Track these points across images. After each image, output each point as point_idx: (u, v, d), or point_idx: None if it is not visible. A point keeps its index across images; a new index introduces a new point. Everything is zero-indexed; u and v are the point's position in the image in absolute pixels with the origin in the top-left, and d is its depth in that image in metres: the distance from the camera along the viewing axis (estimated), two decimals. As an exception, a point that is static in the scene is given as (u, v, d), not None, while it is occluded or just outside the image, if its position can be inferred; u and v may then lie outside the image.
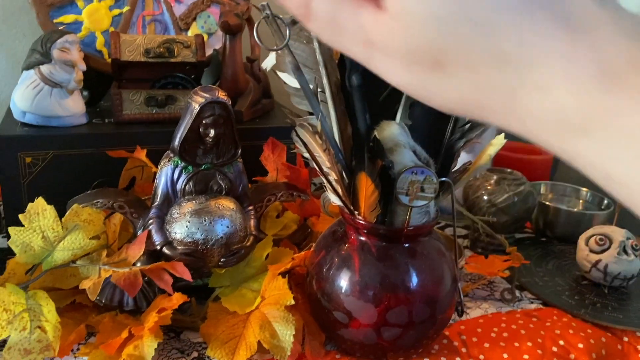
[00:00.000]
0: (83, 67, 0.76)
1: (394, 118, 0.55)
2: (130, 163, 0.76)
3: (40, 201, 0.57)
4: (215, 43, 0.97)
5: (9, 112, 0.79)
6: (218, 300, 0.62)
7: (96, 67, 0.88)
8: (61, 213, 0.59)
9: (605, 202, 0.94)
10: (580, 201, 0.99)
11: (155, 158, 0.70)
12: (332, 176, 0.55)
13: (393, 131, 0.54)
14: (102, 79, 0.90)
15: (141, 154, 0.73)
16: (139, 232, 0.62)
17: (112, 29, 0.90)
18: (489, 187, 0.84)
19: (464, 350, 0.62)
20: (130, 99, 0.79)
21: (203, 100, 0.58)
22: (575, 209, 0.96)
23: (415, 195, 0.54)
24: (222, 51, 0.87)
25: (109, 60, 0.86)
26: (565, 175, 1.37)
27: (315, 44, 0.55)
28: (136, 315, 0.61)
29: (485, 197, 0.84)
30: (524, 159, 1.09)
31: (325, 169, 0.56)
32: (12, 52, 1.02)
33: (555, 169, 1.39)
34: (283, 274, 0.62)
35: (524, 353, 0.62)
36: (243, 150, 0.67)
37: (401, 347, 0.57)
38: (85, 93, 0.92)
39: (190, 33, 0.95)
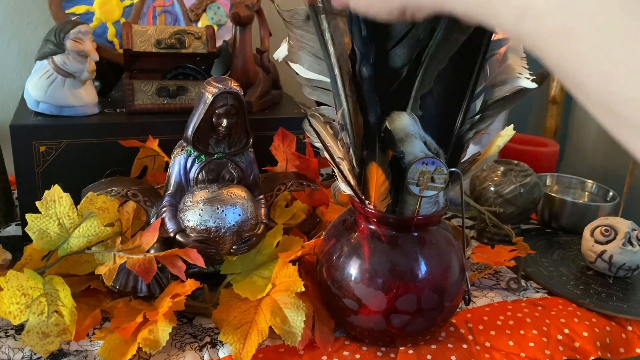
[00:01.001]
0: (96, 57, 0.77)
1: (404, 109, 0.56)
2: (142, 152, 0.77)
3: (56, 188, 0.58)
4: (225, 34, 0.98)
5: (22, 101, 0.80)
6: (230, 287, 0.63)
7: (107, 57, 0.89)
8: (75, 201, 0.61)
9: (611, 194, 0.94)
10: (586, 193, 1.00)
11: (167, 148, 0.71)
12: (344, 166, 0.56)
13: (404, 122, 0.55)
14: (113, 69, 0.91)
15: (153, 144, 0.74)
16: (153, 220, 0.64)
17: (123, 20, 0.90)
18: (495, 179, 0.85)
19: (470, 337, 0.63)
20: (142, 89, 0.80)
21: (216, 90, 0.59)
22: (581, 201, 0.97)
23: (426, 185, 0.55)
24: (232, 42, 0.87)
25: (120, 51, 0.87)
26: (571, 167, 1.38)
27: (327, 36, 0.56)
28: (149, 301, 0.62)
29: (492, 188, 0.85)
30: (531, 151, 1.10)
31: (336, 159, 0.57)
32: (24, 43, 1.03)
33: (561, 160, 1.40)
34: (293, 262, 0.63)
35: (529, 341, 0.63)
36: (252, 140, 0.68)
37: (410, 334, 0.58)
38: (96, 83, 0.93)
39: (200, 24, 0.96)
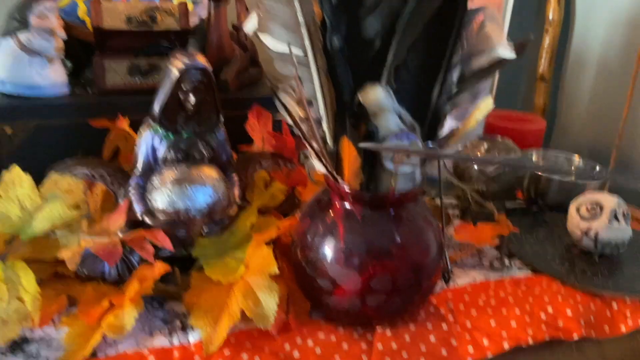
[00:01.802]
0: (63, 34, 0.74)
1: (378, 81, 0.54)
2: (113, 133, 0.74)
3: (15, 169, 0.56)
4: (202, 12, 0.95)
5: (-13, 82, 0.77)
6: (202, 270, 0.61)
7: (79, 36, 0.86)
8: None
9: (598, 169, 0.93)
10: (572, 169, 0.98)
11: (139, 128, 0.68)
12: (314, 143, 0.54)
13: (377, 95, 0.52)
14: (85, 48, 0.88)
15: (124, 124, 0.71)
16: (121, 202, 0.61)
17: (94, -3, 0.87)
18: (479, 155, 0.83)
19: (450, 317, 0.61)
20: (113, 68, 0.78)
21: (182, 65, 0.57)
22: (568, 178, 0.95)
23: (401, 161, 0.53)
24: (207, 19, 0.85)
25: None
26: (559, 144, 1.36)
27: (297, 5, 0.53)
28: (119, 286, 0.60)
29: (475, 166, 0.82)
30: (517, 128, 1.07)
31: (307, 135, 0.55)
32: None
33: (550, 138, 1.38)
34: (268, 243, 0.61)
35: (512, 320, 0.61)
36: (229, 120, 0.66)
37: (386, 314, 0.57)
38: (69, 64, 0.90)
39: (175, 1, 0.92)
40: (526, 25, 1.34)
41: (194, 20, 0.88)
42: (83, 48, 0.88)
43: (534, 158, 1.00)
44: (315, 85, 0.54)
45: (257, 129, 0.74)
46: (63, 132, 0.74)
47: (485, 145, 0.84)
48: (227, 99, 0.81)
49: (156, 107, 0.59)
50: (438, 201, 0.88)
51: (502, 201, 0.86)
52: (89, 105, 0.75)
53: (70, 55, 0.85)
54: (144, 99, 0.77)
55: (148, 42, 0.79)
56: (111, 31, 0.76)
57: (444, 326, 0.59)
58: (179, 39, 0.81)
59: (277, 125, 0.78)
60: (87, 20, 0.88)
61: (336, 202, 0.57)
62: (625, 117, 0.87)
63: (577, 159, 0.97)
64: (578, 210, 0.76)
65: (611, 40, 1.22)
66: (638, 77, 0.99)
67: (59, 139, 0.74)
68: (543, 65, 1.34)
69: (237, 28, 0.88)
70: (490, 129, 1.06)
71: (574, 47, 1.33)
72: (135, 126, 0.72)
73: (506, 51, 0.52)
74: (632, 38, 1.15)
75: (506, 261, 0.73)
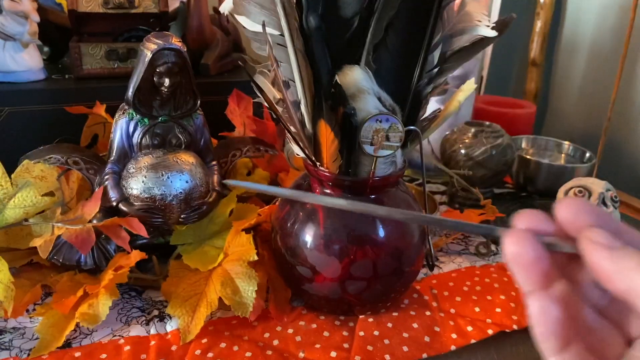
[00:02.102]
0: (36, 18, 0.72)
1: (357, 62, 0.52)
2: (91, 120, 0.72)
3: (-16, 156, 0.54)
4: (184, -5, 0.93)
5: (-39, 67, 0.75)
6: (180, 258, 0.60)
7: (56, 21, 0.84)
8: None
9: (587, 155, 0.91)
10: (562, 155, 0.97)
11: (117, 114, 0.67)
12: (292, 126, 0.53)
13: (356, 76, 0.51)
14: (63, 33, 0.86)
15: (100, 110, 0.70)
16: (96, 189, 0.60)
17: (71, -20, 0.85)
18: (466, 141, 0.82)
19: (434, 304, 0.60)
20: (90, 53, 0.76)
21: (155, 47, 0.55)
22: (556, 163, 0.94)
23: (380, 144, 0.51)
24: (187, 2, 0.83)
25: (69, 13, 0.82)
26: (551, 130, 1.35)
27: (272, -17, 0.51)
28: (95, 275, 0.59)
29: (462, 151, 0.81)
30: (506, 113, 1.06)
31: (284, 118, 0.53)
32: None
33: (542, 123, 1.37)
34: (248, 231, 0.60)
35: (497, 306, 0.60)
36: (210, 105, 0.64)
37: (367, 300, 0.55)
38: (46, 49, 0.88)
39: (155, -16, 0.90)
40: (517, 9, 1.32)
41: (173, 4, 0.86)
42: (61, 33, 0.86)
43: (523, 144, 0.99)
44: (292, 66, 0.52)
45: (238, 113, 0.72)
46: (39, 119, 0.72)
47: (473, 130, 0.82)
48: (209, 83, 0.79)
49: (130, 91, 0.57)
50: (429, 187, 0.87)
51: (491, 186, 0.85)
52: (66, 91, 0.73)
53: (48, 40, 0.84)
54: (122, 84, 0.75)
55: (126, 25, 0.78)
56: (87, 14, 0.74)
57: (428, 313, 0.58)
58: (158, 22, 0.79)
59: (259, 110, 0.76)
60: (65, 4, 0.86)
61: (316, 187, 0.56)
62: (613, 100, 0.86)
63: (566, 145, 0.96)
64: (566, 195, 0.75)
65: (602, 23, 1.20)
66: (627, 60, 0.97)
67: (34, 125, 0.72)
68: (535, 49, 1.32)
69: (219, 12, 0.85)
70: (480, 114, 1.05)
71: (566, 30, 1.32)
72: (113, 112, 0.70)
73: (488, 30, 0.51)
74: (623, 21, 1.13)
75: (492, 247, 0.72)
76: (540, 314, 0.25)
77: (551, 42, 1.34)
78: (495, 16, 1.27)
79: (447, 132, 0.86)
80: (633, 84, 1.10)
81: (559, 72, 1.35)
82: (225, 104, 0.75)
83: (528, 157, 0.89)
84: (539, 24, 1.30)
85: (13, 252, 0.60)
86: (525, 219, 0.26)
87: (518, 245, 0.25)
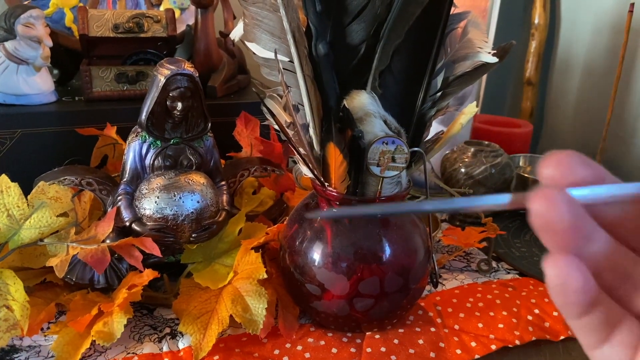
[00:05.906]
0: (49, 43, 0.74)
1: (364, 87, 0.54)
2: (101, 141, 0.74)
3: (3, 178, 0.56)
4: (189, 19, 0.95)
5: (-25, 91, 0.77)
6: (191, 277, 0.61)
7: (66, 44, 0.86)
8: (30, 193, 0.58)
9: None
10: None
11: (127, 135, 0.68)
12: (301, 148, 0.55)
13: (363, 100, 0.53)
14: (72, 57, 0.88)
15: (111, 131, 0.71)
16: (109, 210, 0.61)
17: (81, 5, 0.87)
18: (466, 160, 0.84)
19: (439, 320, 0.62)
20: (100, 76, 0.78)
21: (169, 72, 0.57)
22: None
23: (387, 165, 0.53)
24: (194, 26, 0.85)
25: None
26: (547, 148, 1.37)
27: (282, 12, 0.53)
28: (108, 293, 0.60)
29: (462, 170, 0.83)
30: (503, 132, 1.09)
31: (294, 141, 0.55)
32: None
33: (538, 142, 1.39)
34: (257, 249, 0.61)
35: (499, 322, 0.62)
36: (218, 126, 0.66)
37: (374, 318, 0.57)
38: (55, 72, 0.90)
39: (162, 8, 0.93)
40: (512, 30, 1.35)
41: (181, 27, 0.88)
42: (70, 56, 0.88)
43: (521, 162, 1.01)
44: (301, 92, 0.54)
45: (245, 135, 0.74)
46: (50, 140, 0.74)
47: (472, 149, 0.84)
48: (216, 105, 0.82)
49: (144, 115, 0.59)
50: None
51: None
52: (76, 113, 0.75)
53: (57, 63, 0.86)
54: (132, 106, 0.78)
55: (136, 49, 0.80)
56: (98, 38, 0.77)
57: (432, 329, 0.60)
58: (166, 45, 0.82)
59: (266, 131, 0.78)
60: (74, 28, 0.88)
61: (324, 207, 0.58)
62: (608, 119, 0.88)
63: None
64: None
65: (596, 44, 1.23)
66: (621, 80, 1.00)
67: (46, 147, 0.74)
68: (530, 69, 1.35)
69: (224, 35, 0.88)
70: (478, 133, 1.07)
71: (560, 51, 1.35)
72: (123, 133, 0.72)
73: (489, 56, 0.53)
74: (616, 41, 1.16)
75: (493, 264, 0.74)
76: (558, 285, 0.21)
77: (546, 62, 1.37)
78: (491, 36, 1.30)
79: (447, 151, 0.88)
80: (626, 104, 1.13)
81: (554, 91, 1.38)
82: (231, 124, 0.77)
83: (526, 175, 0.91)
84: (533, 45, 1.34)
85: (26, 271, 0.61)
86: (554, 164, 0.21)
87: (548, 211, 0.20)
